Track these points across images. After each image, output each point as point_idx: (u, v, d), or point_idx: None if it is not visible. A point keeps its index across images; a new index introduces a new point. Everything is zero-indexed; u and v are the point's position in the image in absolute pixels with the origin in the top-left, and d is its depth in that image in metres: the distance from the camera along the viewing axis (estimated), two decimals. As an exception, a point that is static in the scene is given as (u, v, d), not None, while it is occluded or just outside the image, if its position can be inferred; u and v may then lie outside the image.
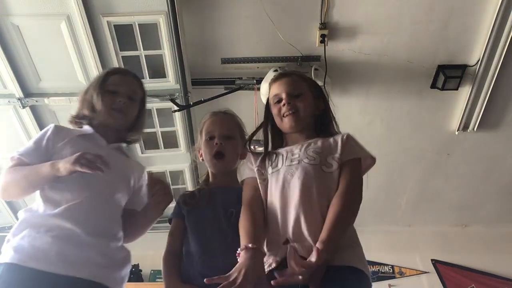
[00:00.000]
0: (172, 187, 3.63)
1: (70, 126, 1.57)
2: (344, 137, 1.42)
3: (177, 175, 3.38)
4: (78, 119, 1.56)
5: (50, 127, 1.48)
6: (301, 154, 1.37)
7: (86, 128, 1.52)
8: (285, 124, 1.44)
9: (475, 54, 2.75)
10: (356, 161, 1.38)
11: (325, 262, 1.15)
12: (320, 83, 2.60)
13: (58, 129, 1.49)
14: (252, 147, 1.52)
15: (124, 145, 1.61)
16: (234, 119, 1.67)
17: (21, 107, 2.71)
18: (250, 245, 1.20)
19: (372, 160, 1.42)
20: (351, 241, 1.28)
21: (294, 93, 1.45)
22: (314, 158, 1.35)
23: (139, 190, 1.59)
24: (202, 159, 1.61)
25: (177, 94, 2.73)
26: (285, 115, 1.43)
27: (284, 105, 1.44)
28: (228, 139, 1.55)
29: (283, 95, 1.45)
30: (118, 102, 1.52)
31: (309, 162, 1.34)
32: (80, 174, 1.29)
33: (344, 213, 1.23)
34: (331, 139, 1.41)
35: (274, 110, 1.48)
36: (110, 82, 1.56)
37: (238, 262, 1.19)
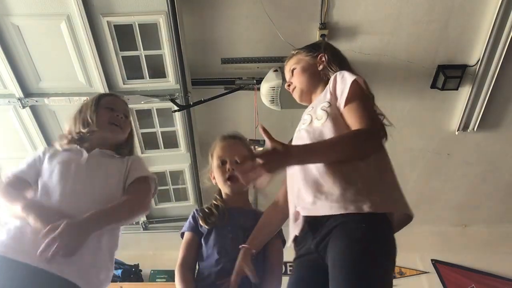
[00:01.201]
0: (172, 187, 3.65)
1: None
2: (331, 79, 1.39)
3: (177, 175, 3.38)
4: (69, 141, 1.62)
5: (40, 148, 1.68)
6: (301, 121, 1.44)
7: (73, 145, 1.59)
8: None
9: (475, 54, 2.75)
10: (349, 95, 1.29)
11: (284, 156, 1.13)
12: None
13: (47, 148, 1.64)
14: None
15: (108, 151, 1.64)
16: (243, 143, 1.75)
17: (21, 107, 2.71)
18: (244, 245, 1.44)
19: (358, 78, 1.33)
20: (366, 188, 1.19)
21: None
22: (306, 119, 1.39)
23: (132, 169, 1.60)
24: (215, 182, 1.69)
25: (177, 94, 2.73)
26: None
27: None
28: (239, 163, 1.61)
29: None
30: (116, 117, 1.64)
31: (304, 127, 1.38)
32: (63, 189, 1.42)
33: (332, 140, 1.20)
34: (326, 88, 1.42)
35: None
36: (104, 101, 1.68)
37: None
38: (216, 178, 1.67)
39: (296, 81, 1.52)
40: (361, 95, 1.30)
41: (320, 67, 1.49)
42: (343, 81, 1.33)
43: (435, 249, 4.03)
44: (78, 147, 1.58)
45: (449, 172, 3.62)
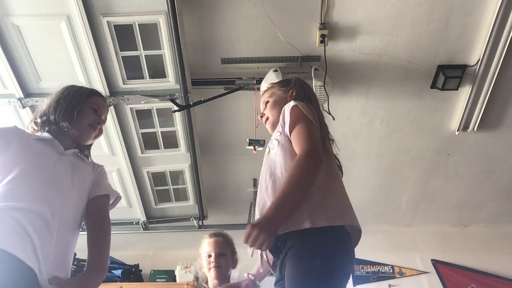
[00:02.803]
0: (172, 187, 3.65)
1: (28, 129, 1.62)
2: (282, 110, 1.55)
3: (177, 175, 3.37)
4: (43, 122, 1.58)
5: (12, 126, 1.54)
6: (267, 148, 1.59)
7: (45, 134, 1.56)
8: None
9: (475, 54, 2.75)
10: (289, 122, 1.45)
11: (263, 228, 1.22)
12: (320, 83, 2.60)
13: (19, 129, 1.54)
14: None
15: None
16: (225, 238, 2.15)
17: (21, 107, 2.71)
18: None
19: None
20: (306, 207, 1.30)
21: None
22: (267, 150, 1.55)
23: (99, 181, 1.65)
24: (204, 271, 2.12)
25: (177, 94, 2.73)
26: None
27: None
28: (222, 256, 2.07)
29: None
30: (97, 122, 1.65)
31: (265, 156, 1.54)
32: (42, 190, 1.38)
33: (285, 183, 1.30)
34: None
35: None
36: (93, 99, 1.67)
37: None
38: (204, 268, 2.10)
39: (268, 113, 1.67)
40: (300, 120, 1.43)
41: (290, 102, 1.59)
42: (286, 110, 1.48)
43: (435, 249, 4.02)
44: (52, 137, 1.54)
45: (449, 172, 3.62)
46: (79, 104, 1.61)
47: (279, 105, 1.63)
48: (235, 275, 2.11)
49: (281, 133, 1.49)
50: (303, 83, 1.76)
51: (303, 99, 1.59)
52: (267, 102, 1.70)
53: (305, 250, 1.21)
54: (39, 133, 1.58)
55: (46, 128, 1.58)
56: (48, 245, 1.32)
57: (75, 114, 1.58)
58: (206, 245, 2.12)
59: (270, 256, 1.47)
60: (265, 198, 1.40)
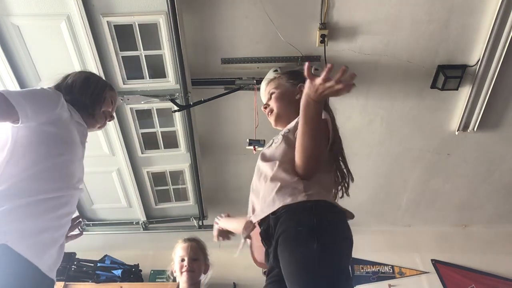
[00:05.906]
0: (172, 187, 3.64)
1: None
2: None
3: (177, 175, 3.37)
4: (67, 95, 1.55)
5: (59, 94, 1.47)
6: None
7: (77, 116, 1.56)
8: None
9: (475, 54, 2.75)
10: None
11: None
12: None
13: (64, 102, 1.49)
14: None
15: None
16: (199, 245, 2.22)
17: (21, 107, 2.70)
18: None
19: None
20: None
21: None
22: (268, 143, 1.51)
23: None
24: (176, 275, 2.18)
25: (177, 94, 2.73)
26: None
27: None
28: (195, 260, 2.14)
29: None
30: (109, 116, 1.70)
31: (263, 149, 1.48)
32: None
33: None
34: None
35: None
36: (113, 94, 1.73)
37: None
38: (176, 271, 2.15)
39: (274, 105, 1.56)
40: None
41: (298, 97, 1.48)
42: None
43: (435, 249, 4.03)
44: (87, 129, 1.60)
45: (449, 172, 3.62)
46: (104, 92, 1.66)
47: (286, 98, 1.54)
48: (205, 280, 2.17)
49: (289, 131, 1.41)
50: None
51: None
52: (272, 93, 1.58)
53: (299, 235, 1.13)
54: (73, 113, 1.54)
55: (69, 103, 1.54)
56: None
57: (101, 99, 1.63)
58: (179, 250, 2.18)
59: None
60: (261, 183, 1.38)
